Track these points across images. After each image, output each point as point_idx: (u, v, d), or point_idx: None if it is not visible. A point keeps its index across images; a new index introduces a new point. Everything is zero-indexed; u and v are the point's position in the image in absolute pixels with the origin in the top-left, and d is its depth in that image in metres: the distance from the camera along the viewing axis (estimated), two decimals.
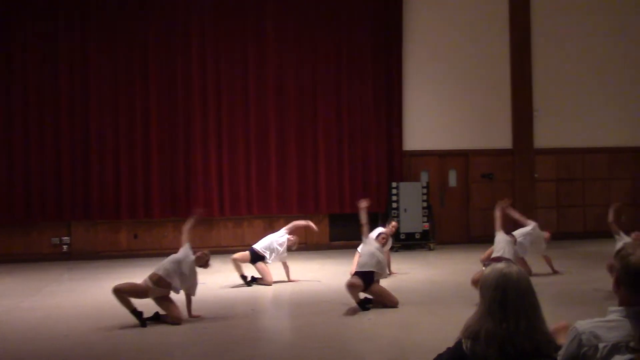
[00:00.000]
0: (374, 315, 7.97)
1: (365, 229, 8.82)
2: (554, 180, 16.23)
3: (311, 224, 11.10)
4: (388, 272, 9.40)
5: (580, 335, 2.68)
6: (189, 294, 8.01)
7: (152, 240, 14.34)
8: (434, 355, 2.71)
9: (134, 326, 7.55)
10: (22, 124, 13.80)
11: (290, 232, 10.73)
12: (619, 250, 2.76)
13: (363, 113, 15.12)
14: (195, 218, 8.87)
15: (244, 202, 14.57)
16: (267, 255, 10.39)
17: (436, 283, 10.17)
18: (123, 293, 7.61)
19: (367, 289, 8.33)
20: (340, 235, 14.92)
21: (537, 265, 10.87)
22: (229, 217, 14.66)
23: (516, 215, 10.58)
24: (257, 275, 10.42)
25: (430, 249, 14.52)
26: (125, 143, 14.14)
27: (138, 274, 11.56)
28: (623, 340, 2.59)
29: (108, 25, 14.11)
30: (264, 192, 14.63)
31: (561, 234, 15.72)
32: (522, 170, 15.98)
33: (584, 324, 2.71)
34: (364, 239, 8.84)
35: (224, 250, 14.04)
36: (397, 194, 14.63)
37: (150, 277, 7.82)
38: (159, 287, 7.80)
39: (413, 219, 14.60)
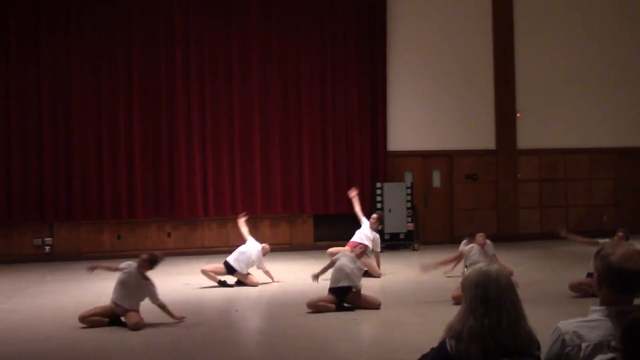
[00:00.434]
0: (358, 316, 7.99)
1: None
2: (537, 180, 16.36)
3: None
4: (360, 284, 8.81)
5: (564, 335, 2.69)
6: (155, 304, 7.71)
7: (135, 241, 14.25)
8: (419, 356, 2.71)
9: (117, 327, 7.51)
10: (2, 123, 13.65)
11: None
12: (599, 251, 2.78)
13: (347, 114, 15.13)
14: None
15: (228, 203, 14.51)
16: (242, 267, 10.13)
17: (420, 283, 10.18)
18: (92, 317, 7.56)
19: (345, 300, 8.35)
20: (325, 236, 14.92)
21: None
22: (213, 218, 14.61)
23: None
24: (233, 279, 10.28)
25: (414, 250, 14.56)
26: (108, 143, 14.03)
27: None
28: (605, 339, 2.61)
29: (91, 25, 14.00)
30: (249, 192, 14.59)
31: (544, 234, 15.87)
32: (506, 170, 16.09)
33: (566, 324, 2.73)
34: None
35: (209, 251, 14.01)
36: (381, 195, 14.66)
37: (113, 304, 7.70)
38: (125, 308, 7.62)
39: (397, 220, 14.63)
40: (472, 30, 15.98)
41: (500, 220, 15.99)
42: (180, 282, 10.65)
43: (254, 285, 10.16)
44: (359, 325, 7.55)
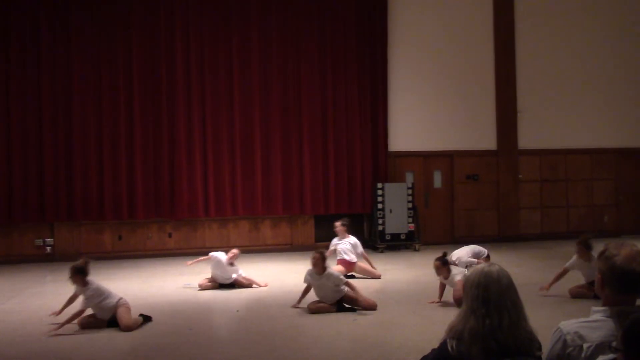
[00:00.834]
0: (358, 316, 7.98)
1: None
2: (538, 181, 16.35)
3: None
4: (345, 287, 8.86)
5: (565, 335, 2.69)
6: (119, 306, 7.64)
7: (136, 241, 14.25)
8: (419, 356, 2.71)
9: (117, 329, 7.50)
10: (3, 124, 13.66)
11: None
12: (603, 252, 2.77)
13: (348, 114, 15.12)
14: None
15: (229, 203, 14.50)
16: (229, 277, 10.09)
17: (421, 284, 10.18)
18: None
19: (343, 301, 8.34)
20: (326, 236, 14.83)
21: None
22: (214, 218, 14.60)
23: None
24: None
25: (415, 250, 14.55)
26: (109, 143, 14.02)
27: (122, 276, 11.54)
28: (607, 340, 2.60)
29: (91, 25, 14.00)
30: (249, 192, 14.58)
31: (545, 234, 15.86)
32: (507, 171, 16.07)
33: (568, 325, 2.72)
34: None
35: (209, 252, 13.94)
36: (382, 195, 14.65)
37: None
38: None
39: (398, 220, 14.62)
40: (473, 30, 15.97)
41: (501, 221, 15.98)
42: (181, 282, 10.65)
43: (254, 285, 10.16)
44: (359, 325, 7.54)
